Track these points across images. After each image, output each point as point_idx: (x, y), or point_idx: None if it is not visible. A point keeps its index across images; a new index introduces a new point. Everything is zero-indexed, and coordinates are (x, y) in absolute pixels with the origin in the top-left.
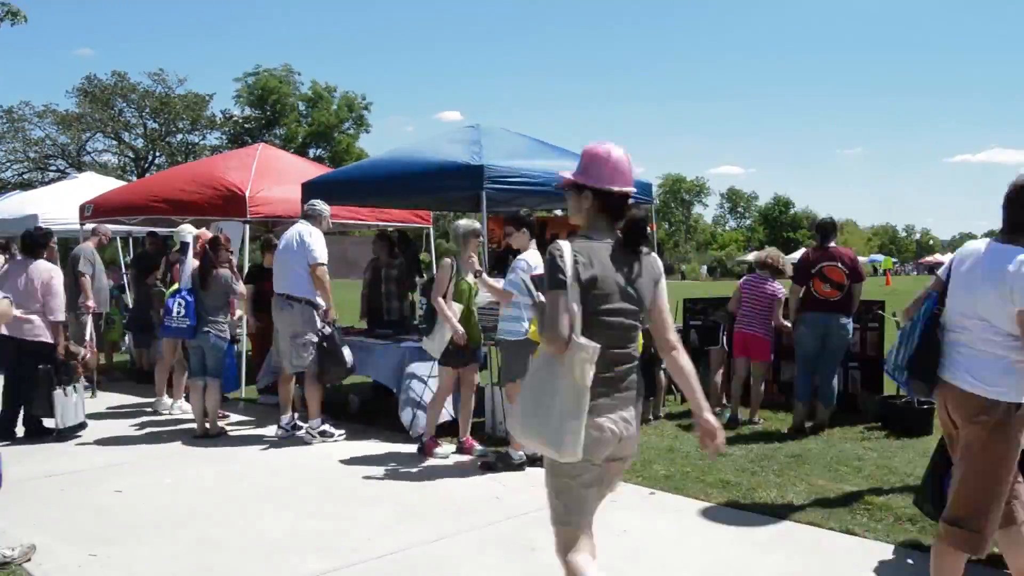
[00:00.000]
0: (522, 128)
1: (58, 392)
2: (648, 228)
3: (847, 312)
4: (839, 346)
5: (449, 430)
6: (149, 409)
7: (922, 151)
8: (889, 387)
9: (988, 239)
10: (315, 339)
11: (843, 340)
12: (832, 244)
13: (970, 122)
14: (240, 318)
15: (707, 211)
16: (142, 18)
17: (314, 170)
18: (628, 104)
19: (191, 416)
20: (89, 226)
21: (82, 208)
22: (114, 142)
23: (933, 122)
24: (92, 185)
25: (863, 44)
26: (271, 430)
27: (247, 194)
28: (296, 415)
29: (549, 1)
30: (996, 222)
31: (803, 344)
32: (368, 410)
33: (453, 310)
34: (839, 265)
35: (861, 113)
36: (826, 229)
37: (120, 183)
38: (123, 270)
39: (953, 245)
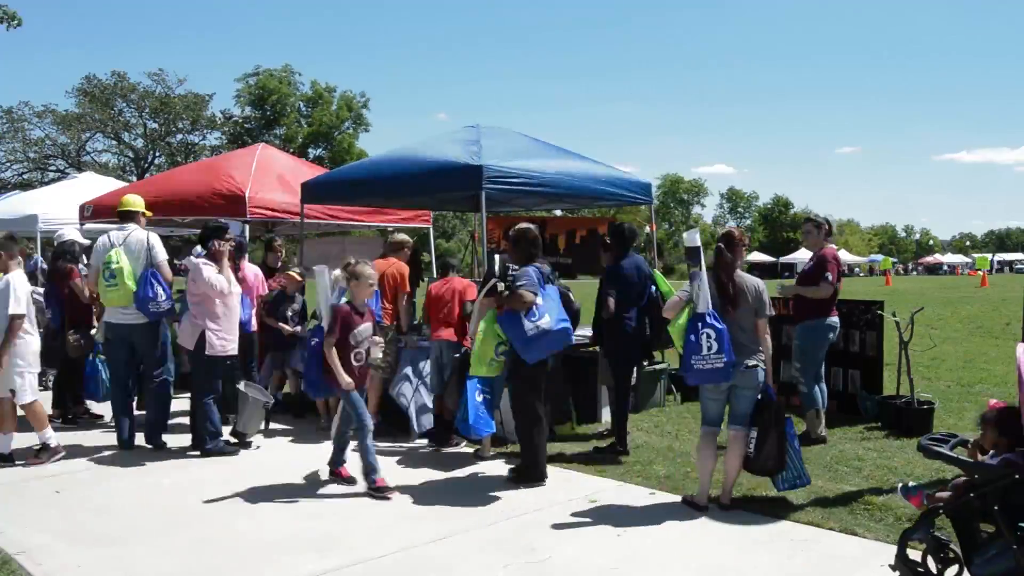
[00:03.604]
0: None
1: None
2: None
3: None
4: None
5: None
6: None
7: (918, 149)
8: (889, 387)
9: None
10: None
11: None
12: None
13: (966, 121)
14: None
15: (706, 211)
16: (141, 18)
17: (313, 171)
18: (619, 104)
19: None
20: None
21: (82, 208)
22: (114, 142)
23: (929, 121)
24: (92, 185)
25: (856, 44)
26: (272, 430)
27: (247, 194)
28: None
29: (542, 4)
30: (993, 222)
31: (826, 347)
32: None
33: None
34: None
35: (856, 112)
36: (831, 228)
37: (120, 183)
38: None
39: (953, 245)
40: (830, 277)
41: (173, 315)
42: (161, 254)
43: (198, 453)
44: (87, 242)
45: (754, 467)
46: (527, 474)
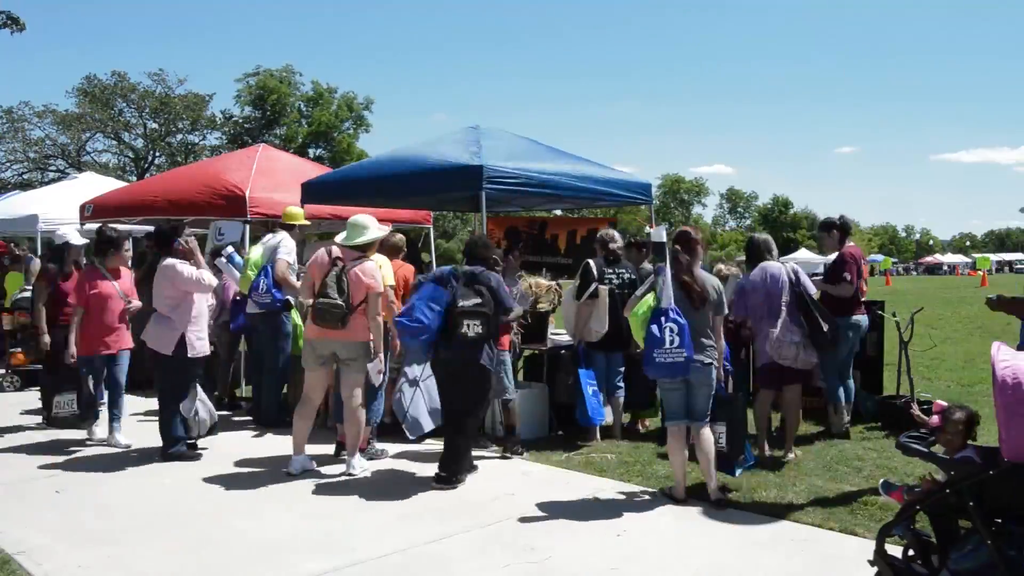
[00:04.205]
0: (512, 130)
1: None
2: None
3: (865, 309)
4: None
5: None
6: (148, 410)
7: (916, 149)
8: (889, 387)
9: None
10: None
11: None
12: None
13: (965, 121)
14: None
15: (706, 211)
16: (141, 18)
17: (314, 171)
18: (618, 104)
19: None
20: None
21: (82, 208)
22: (114, 142)
23: (927, 121)
24: (92, 185)
25: (853, 43)
26: (272, 430)
27: (247, 194)
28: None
29: (541, 4)
30: (994, 222)
31: (846, 347)
32: None
33: None
34: (866, 263)
35: (854, 112)
36: (847, 228)
37: (120, 183)
38: None
39: (953, 245)
40: (848, 276)
41: (276, 309)
42: (282, 253)
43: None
44: (83, 242)
45: (726, 463)
46: None
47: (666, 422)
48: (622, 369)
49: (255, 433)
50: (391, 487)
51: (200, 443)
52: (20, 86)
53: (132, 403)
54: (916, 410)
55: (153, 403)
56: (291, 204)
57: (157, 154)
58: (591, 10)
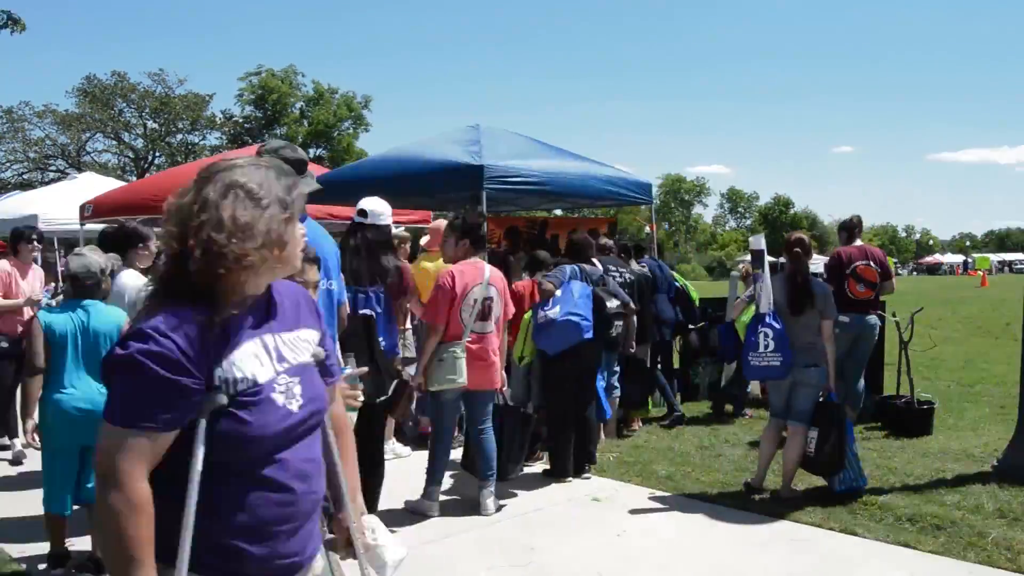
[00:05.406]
0: (512, 129)
1: None
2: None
3: (876, 310)
4: (869, 347)
5: None
6: None
7: (912, 149)
8: (889, 387)
9: None
10: None
11: (874, 340)
12: (859, 242)
13: (963, 121)
14: None
15: (707, 211)
16: (141, 18)
17: (313, 171)
18: (616, 104)
19: None
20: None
21: (82, 208)
22: (114, 142)
23: (924, 120)
24: (92, 185)
25: (850, 42)
26: None
27: None
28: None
29: (541, 4)
30: (993, 222)
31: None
32: None
33: None
34: (871, 264)
35: (851, 112)
36: (852, 227)
37: (120, 183)
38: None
39: (954, 245)
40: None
41: None
42: None
43: None
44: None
45: (813, 466)
46: (551, 467)
47: (770, 417)
48: (618, 368)
49: None
50: (390, 487)
51: None
52: (20, 86)
53: None
54: None
55: None
56: None
57: (157, 154)
58: (591, 9)
